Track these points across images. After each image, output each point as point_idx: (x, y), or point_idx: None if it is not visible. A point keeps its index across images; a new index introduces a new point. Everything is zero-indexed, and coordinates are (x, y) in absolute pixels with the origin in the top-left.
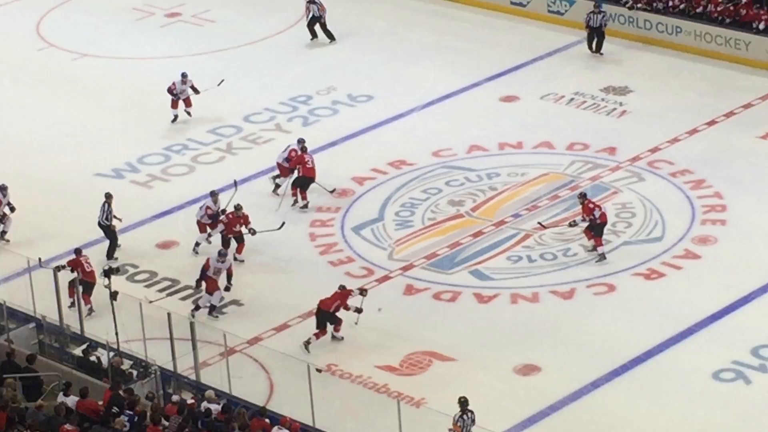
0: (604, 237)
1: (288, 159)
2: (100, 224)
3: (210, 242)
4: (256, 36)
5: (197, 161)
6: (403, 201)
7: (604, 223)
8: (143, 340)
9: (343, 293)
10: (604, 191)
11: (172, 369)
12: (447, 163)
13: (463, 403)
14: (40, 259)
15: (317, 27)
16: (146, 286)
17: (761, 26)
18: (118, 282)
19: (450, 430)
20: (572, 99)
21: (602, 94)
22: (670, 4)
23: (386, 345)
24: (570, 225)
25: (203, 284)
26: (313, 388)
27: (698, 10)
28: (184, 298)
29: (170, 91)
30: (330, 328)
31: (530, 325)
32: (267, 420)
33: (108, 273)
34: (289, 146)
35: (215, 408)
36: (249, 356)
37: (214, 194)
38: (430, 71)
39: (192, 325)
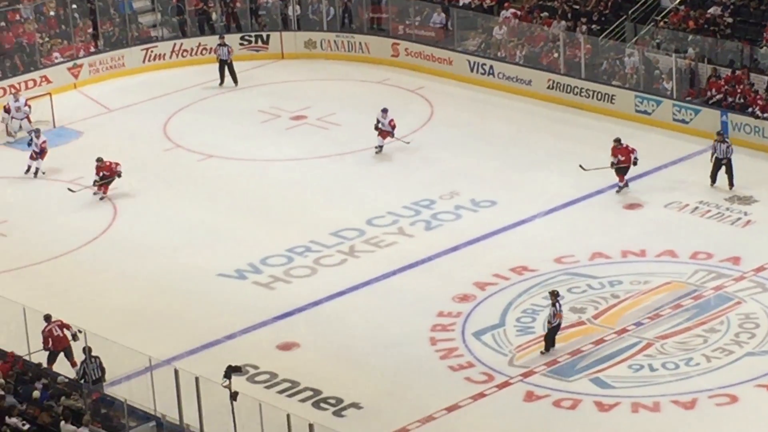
0: None
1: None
2: None
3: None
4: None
5: (320, 263)
6: (524, 307)
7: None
8: None
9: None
10: (727, 301)
11: None
12: (569, 270)
13: (555, 294)
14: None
15: (226, 70)
16: (266, 387)
17: None
18: (238, 382)
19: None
20: (696, 208)
21: (727, 203)
22: None
23: None
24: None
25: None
26: None
27: None
28: (303, 400)
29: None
30: None
31: None
32: None
33: (229, 373)
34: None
35: None
36: None
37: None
38: (553, 177)
39: (311, 427)
